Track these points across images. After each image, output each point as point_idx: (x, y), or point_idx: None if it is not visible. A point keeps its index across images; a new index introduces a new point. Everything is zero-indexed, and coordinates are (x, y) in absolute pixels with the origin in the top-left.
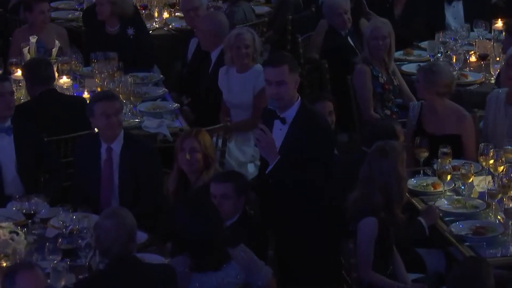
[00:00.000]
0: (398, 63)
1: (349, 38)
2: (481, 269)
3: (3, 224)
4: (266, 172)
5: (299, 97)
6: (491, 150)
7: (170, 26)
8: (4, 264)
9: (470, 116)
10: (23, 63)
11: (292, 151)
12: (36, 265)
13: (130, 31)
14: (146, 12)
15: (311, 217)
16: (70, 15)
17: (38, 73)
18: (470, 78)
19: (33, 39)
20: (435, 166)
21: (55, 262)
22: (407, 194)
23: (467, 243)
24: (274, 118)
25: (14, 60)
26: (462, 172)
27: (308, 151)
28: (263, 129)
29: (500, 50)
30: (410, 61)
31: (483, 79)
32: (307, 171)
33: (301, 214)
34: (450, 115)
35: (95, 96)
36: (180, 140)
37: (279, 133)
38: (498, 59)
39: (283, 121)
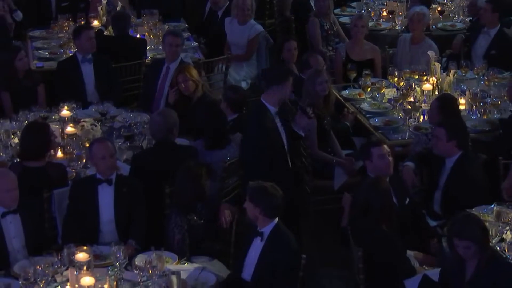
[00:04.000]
0: (337, 16)
1: (310, 1)
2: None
3: (86, 120)
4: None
5: None
6: (396, 72)
7: None
8: (87, 145)
9: (377, 47)
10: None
11: None
12: (108, 139)
13: None
14: None
15: None
16: None
17: (120, 24)
18: (383, 26)
19: (104, 0)
20: (360, 82)
21: (119, 143)
22: (342, 99)
23: (380, 131)
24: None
25: (92, 14)
26: (377, 86)
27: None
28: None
29: (404, 8)
30: (345, 15)
31: (391, 27)
32: None
33: None
34: (366, 47)
35: (168, 31)
36: (175, 75)
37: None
38: (400, 13)
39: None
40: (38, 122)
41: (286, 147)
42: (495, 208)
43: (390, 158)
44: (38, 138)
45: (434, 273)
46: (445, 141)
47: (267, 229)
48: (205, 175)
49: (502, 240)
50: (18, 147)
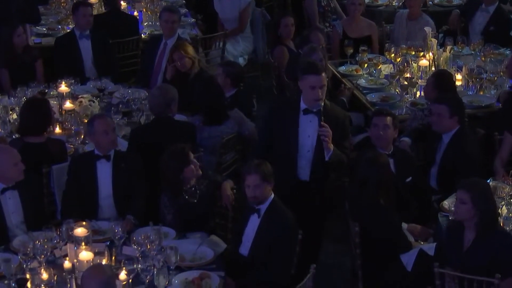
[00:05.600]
0: None
1: None
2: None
3: (84, 95)
4: (328, 159)
5: None
6: (393, 48)
7: None
8: (86, 121)
9: (374, 23)
10: None
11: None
12: (107, 115)
13: None
14: None
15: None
16: None
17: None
18: (379, 2)
19: None
20: (357, 58)
21: (117, 119)
22: (339, 76)
23: (377, 107)
24: (317, 114)
25: None
26: (374, 61)
27: (339, 131)
28: (325, 126)
29: None
30: None
31: (388, 3)
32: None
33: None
34: (363, 24)
35: (164, 7)
36: (171, 53)
37: (309, 125)
38: None
39: (320, 113)
40: (38, 98)
41: (299, 148)
42: (491, 183)
43: (384, 132)
44: (39, 114)
45: (429, 248)
46: (448, 117)
47: (263, 206)
48: (188, 159)
49: (498, 215)
50: (17, 123)
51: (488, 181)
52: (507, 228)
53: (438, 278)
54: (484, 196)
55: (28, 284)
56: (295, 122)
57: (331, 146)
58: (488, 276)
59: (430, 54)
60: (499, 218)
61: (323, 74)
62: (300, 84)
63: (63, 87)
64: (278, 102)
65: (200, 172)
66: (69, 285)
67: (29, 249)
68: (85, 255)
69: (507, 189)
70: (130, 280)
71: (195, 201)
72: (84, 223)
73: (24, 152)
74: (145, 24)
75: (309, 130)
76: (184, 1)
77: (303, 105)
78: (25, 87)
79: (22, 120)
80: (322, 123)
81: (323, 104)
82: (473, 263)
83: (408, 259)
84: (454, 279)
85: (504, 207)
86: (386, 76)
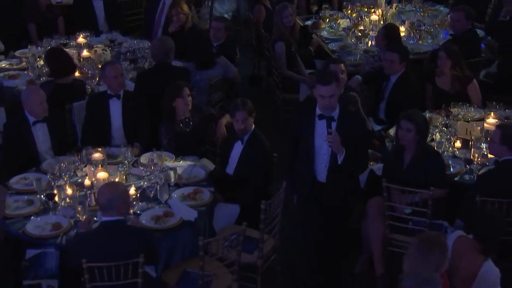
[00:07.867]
0: None
1: None
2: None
3: (98, 45)
4: (340, 163)
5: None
6: (349, 5)
7: None
8: (99, 66)
9: None
10: None
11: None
12: (118, 62)
13: None
14: None
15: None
16: None
17: None
18: None
19: None
20: (320, 14)
21: (125, 65)
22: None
23: (336, 54)
24: (327, 120)
25: None
26: (334, 17)
27: (352, 139)
28: (331, 133)
29: None
30: None
31: None
32: (361, 152)
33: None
34: None
35: None
36: (169, 10)
37: (325, 129)
38: None
39: (332, 119)
40: (57, 48)
41: (316, 150)
42: (427, 114)
43: (343, 76)
44: (65, 60)
45: (378, 168)
46: (398, 63)
47: (246, 135)
48: (180, 91)
49: (432, 140)
50: (44, 69)
51: (425, 112)
52: (440, 150)
53: (385, 191)
54: (424, 125)
55: (56, 198)
56: (311, 126)
57: (342, 150)
58: (424, 188)
59: (380, 10)
60: (433, 142)
61: (333, 85)
62: (314, 91)
63: (81, 39)
64: (298, 106)
65: (190, 106)
66: (88, 198)
67: (56, 170)
68: (102, 174)
69: (440, 119)
70: (138, 195)
71: (188, 130)
72: (100, 149)
73: (57, 92)
74: None
75: (325, 134)
76: None
77: (318, 111)
78: (49, 38)
79: (52, 66)
80: (328, 130)
81: (340, 110)
82: (412, 178)
83: (361, 178)
84: (397, 191)
85: (437, 134)
86: (344, 29)
